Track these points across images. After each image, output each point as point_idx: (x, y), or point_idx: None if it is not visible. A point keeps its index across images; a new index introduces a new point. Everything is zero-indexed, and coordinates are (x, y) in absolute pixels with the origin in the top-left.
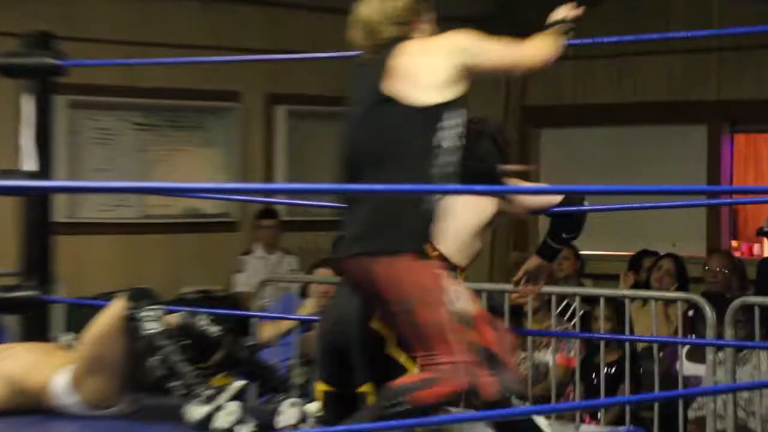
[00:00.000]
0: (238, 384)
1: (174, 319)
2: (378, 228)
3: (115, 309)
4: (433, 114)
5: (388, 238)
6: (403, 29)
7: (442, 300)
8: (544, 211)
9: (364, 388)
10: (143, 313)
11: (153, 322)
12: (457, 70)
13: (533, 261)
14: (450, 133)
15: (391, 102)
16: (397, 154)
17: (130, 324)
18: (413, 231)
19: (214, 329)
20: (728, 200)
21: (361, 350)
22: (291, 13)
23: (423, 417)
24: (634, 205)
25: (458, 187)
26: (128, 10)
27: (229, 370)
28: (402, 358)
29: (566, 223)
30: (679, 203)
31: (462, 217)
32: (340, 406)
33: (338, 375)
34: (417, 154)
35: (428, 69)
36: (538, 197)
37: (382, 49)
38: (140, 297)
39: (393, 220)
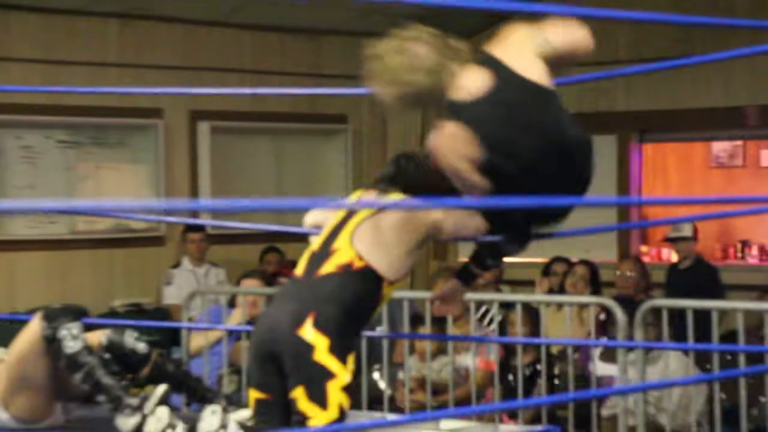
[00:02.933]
0: (161, 388)
1: (99, 337)
2: None
3: (32, 329)
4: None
5: None
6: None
7: None
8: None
9: (294, 394)
10: (62, 332)
11: (73, 340)
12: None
13: (450, 285)
14: None
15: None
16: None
17: (51, 345)
18: None
19: (142, 346)
20: (638, 223)
21: (291, 357)
22: (208, 31)
23: None
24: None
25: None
26: (48, 29)
27: (158, 383)
28: (332, 365)
29: (492, 249)
30: (595, 228)
31: (396, 234)
32: (272, 413)
33: (269, 382)
34: None
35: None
36: (469, 222)
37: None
38: (56, 316)
39: None
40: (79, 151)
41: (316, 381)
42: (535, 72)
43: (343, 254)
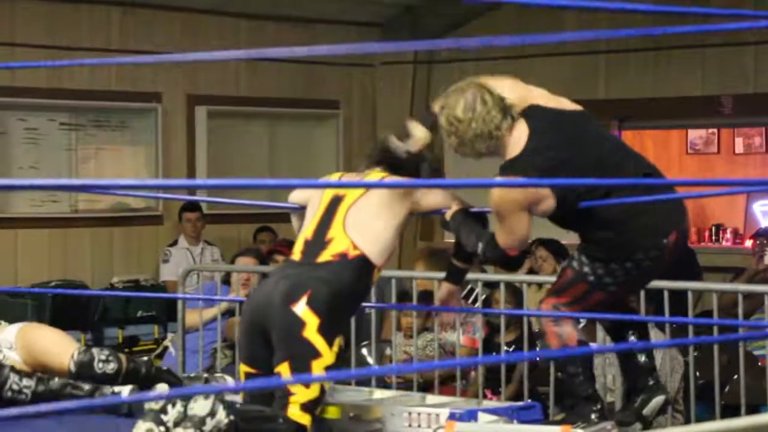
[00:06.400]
0: (126, 389)
1: (66, 363)
2: None
3: None
4: None
5: None
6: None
7: None
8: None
9: (280, 368)
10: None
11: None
12: None
13: (444, 289)
14: None
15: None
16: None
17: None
18: None
19: (111, 366)
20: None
21: (281, 330)
22: (206, 19)
23: None
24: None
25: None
26: (53, 16)
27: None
28: (319, 344)
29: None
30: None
31: (384, 219)
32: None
33: (258, 356)
34: None
35: None
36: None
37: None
38: None
39: None
40: (81, 134)
41: (302, 358)
42: (565, 102)
43: (338, 243)
